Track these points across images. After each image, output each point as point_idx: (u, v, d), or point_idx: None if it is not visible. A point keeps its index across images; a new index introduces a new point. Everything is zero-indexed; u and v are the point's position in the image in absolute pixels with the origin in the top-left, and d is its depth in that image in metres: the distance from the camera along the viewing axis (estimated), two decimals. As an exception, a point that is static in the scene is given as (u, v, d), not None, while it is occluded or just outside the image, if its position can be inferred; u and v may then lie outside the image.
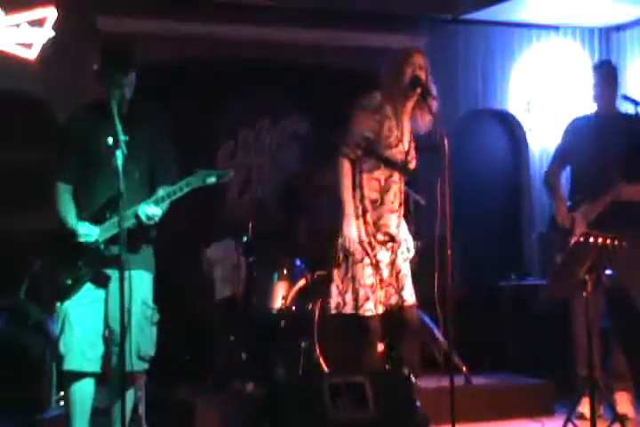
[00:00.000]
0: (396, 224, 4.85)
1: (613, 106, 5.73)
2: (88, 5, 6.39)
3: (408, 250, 4.90)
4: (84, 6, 6.38)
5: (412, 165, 4.88)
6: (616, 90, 5.73)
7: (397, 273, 4.82)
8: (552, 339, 6.28)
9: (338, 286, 4.82)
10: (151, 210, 4.28)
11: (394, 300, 4.79)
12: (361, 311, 4.74)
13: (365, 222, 4.79)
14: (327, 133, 6.86)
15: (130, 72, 4.32)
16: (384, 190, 4.80)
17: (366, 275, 4.76)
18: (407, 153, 4.84)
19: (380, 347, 5.10)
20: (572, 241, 4.82)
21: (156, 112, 4.54)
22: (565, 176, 5.95)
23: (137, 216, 4.27)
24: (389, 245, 4.83)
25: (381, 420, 4.45)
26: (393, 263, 4.83)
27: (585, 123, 5.78)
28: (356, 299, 4.75)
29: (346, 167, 4.77)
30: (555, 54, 7.63)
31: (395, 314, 4.85)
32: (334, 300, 4.81)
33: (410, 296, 4.82)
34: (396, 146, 4.80)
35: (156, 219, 4.31)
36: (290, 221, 6.32)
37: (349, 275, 4.78)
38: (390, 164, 4.81)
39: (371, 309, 4.74)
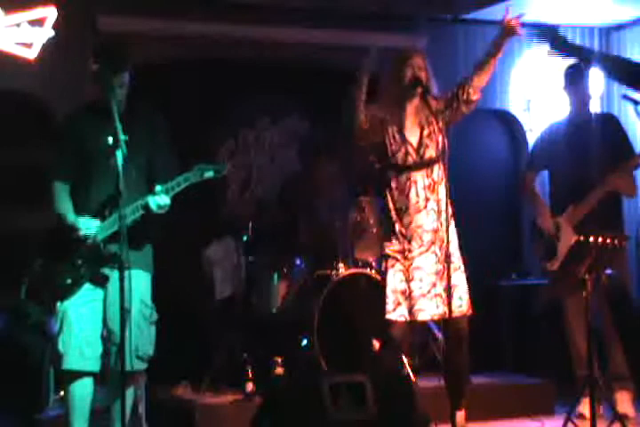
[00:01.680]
0: (434, 218, 4.74)
1: (585, 108, 5.75)
2: (88, 5, 6.38)
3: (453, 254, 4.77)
4: (85, 6, 6.38)
5: (429, 153, 4.79)
6: (585, 92, 5.74)
7: (447, 284, 4.72)
8: (552, 338, 6.28)
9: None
10: (162, 199, 4.29)
11: (441, 311, 4.72)
12: (393, 317, 4.72)
13: (398, 232, 4.77)
14: (327, 133, 6.91)
15: (121, 72, 4.33)
16: (405, 195, 4.77)
17: (397, 280, 4.73)
18: (418, 147, 4.80)
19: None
20: (573, 241, 4.83)
21: (153, 112, 4.55)
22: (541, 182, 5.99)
23: (146, 207, 4.27)
24: (433, 249, 4.75)
25: (381, 420, 4.45)
26: (442, 273, 4.73)
27: (558, 127, 5.80)
28: (386, 304, 4.73)
29: None
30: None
31: (444, 324, 4.83)
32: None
33: (458, 308, 4.70)
34: (399, 149, 4.78)
35: (166, 208, 4.32)
36: (290, 220, 6.32)
37: (385, 281, 4.78)
38: (401, 168, 4.79)
39: (404, 315, 4.71)
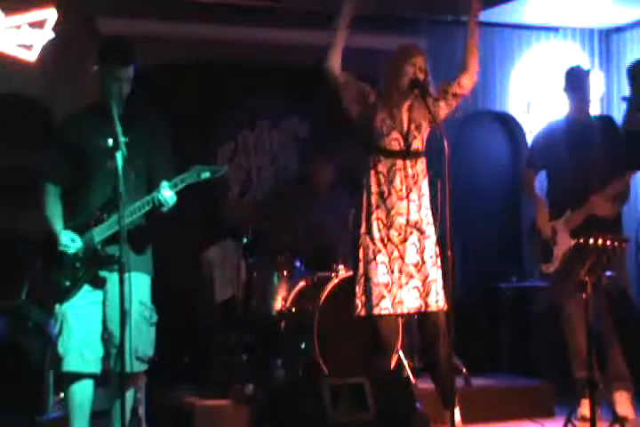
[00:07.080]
0: (415, 209, 4.77)
1: (585, 110, 5.74)
2: (88, 7, 6.39)
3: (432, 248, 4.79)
4: (85, 8, 6.39)
5: (416, 144, 4.82)
6: (587, 94, 5.73)
7: (425, 278, 4.74)
8: (551, 340, 6.29)
9: (355, 288, 4.82)
10: (169, 194, 4.26)
11: (417, 304, 4.73)
12: (376, 311, 4.70)
13: (377, 219, 4.76)
14: (326, 134, 6.92)
15: (129, 65, 4.32)
16: (389, 181, 4.78)
17: (380, 273, 4.71)
18: (406, 136, 4.82)
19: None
20: (572, 244, 4.83)
21: (152, 113, 4.54)
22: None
23: (153, 202, 4.25)
24: (413, 240, 4.75)
25: (381, 421, 4.45)
26: (419, 266, 4.76)
27: (557, 128, 5.78)
28: (369, 300, 4.72)
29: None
30: (554, 56, 7.64)
31: (420, 319, 4.84)
32: (355, 302, 4.80)
33: (434, 303, 4.72)
34: (389, 134, 4.80)
35: (170, 204, 4.28)
36: (290, 222, 6.32)
37: (364, 275, 4.76)
38: (388, 152, 4.79)
39: (387, 308, 4.68)
